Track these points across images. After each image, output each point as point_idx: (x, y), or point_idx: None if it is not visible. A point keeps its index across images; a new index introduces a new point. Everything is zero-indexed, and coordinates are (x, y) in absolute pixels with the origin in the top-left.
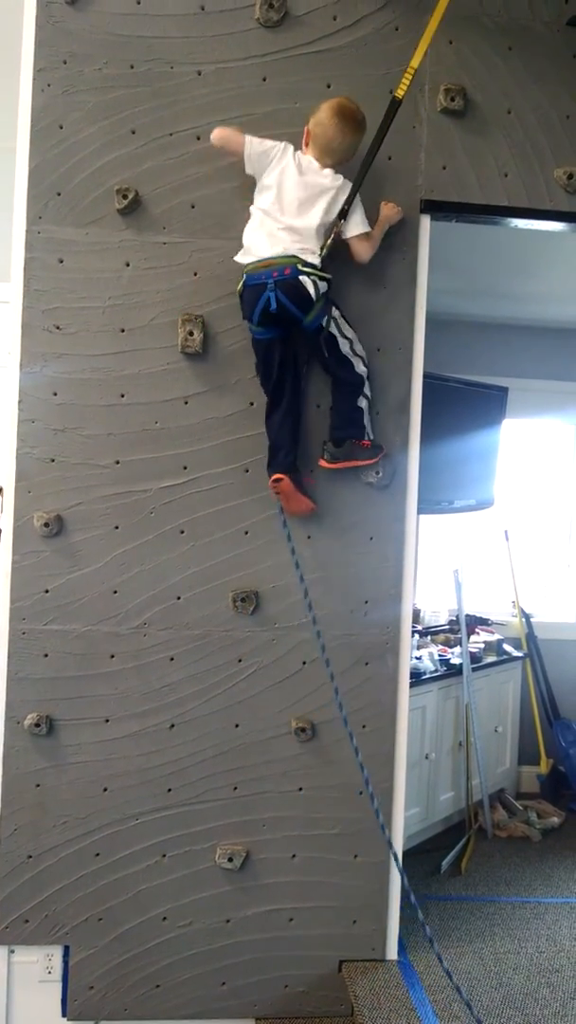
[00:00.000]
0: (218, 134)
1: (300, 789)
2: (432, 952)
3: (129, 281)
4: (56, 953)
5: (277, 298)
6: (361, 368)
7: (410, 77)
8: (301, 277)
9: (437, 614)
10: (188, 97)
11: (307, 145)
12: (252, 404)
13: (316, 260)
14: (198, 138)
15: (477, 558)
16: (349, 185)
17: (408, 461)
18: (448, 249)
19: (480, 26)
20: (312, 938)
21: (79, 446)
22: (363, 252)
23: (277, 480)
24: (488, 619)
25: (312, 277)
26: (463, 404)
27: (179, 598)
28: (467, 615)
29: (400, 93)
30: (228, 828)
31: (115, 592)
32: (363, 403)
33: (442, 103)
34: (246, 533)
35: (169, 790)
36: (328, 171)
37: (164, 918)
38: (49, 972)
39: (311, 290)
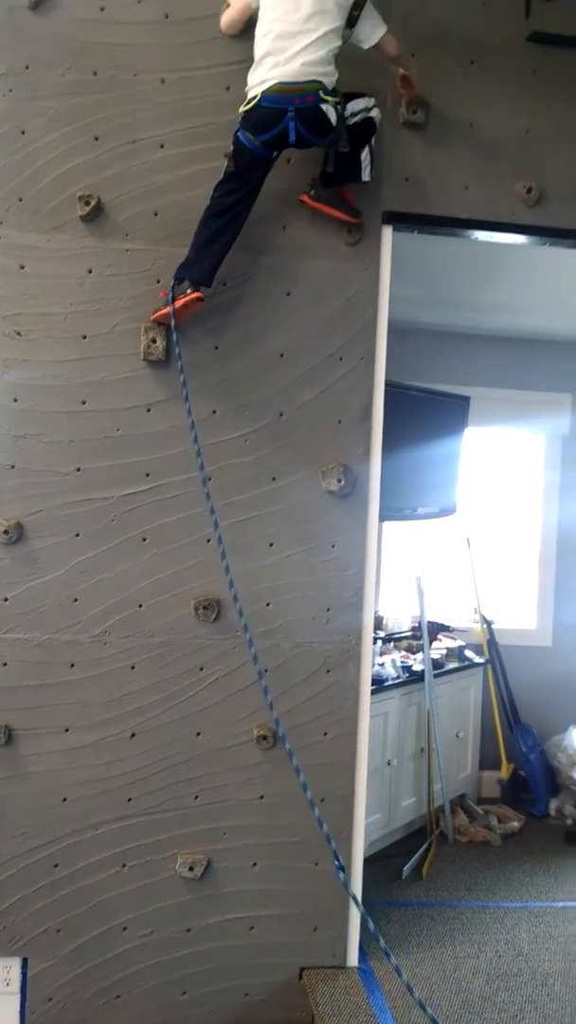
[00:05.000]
0: (225, 25)
1: (261, 797)
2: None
3: (91, 288)
4: (14, 965)
5: (297, 128)
6: (374, 113)
7: None
8: (323, 106)
9: (400, 620)
10: (152, 104)
11: None
12: (215, 412)
13: (334, 82)
14: (162, 145)
15: (439, 565)
16: (374, 15)
17: (370, 469)
18: (412, 259)
19: (443, 41)
20: (273, 946)
21: (40, 453)
22: (392, 47)
23: (200, 299)
24: (450, 625)
25: (332, 103)
26: (426, 412)
27: (141, 606)
28: (429, 622)
29: None
30: (189, 837)
31: (76, 600)
32: (365, 152)
33: (404, 116)
34: (208, 541)
35: (129, 799)
36: None
37: (124, 928)
38: (7, 984)
39: (332, 117)
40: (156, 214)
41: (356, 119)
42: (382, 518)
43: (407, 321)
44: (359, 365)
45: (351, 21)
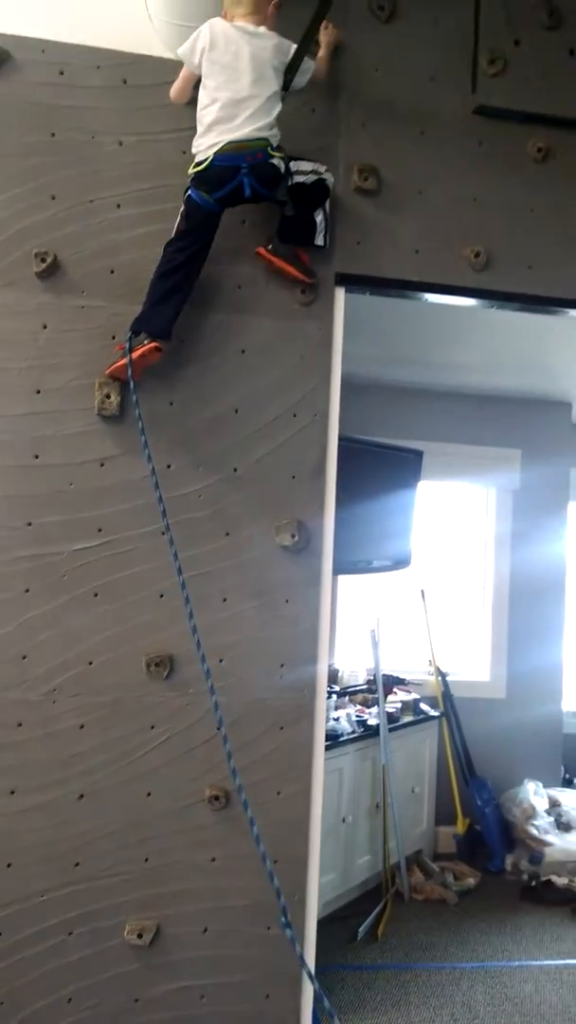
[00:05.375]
0: (174, 94)
1: (213, 859)
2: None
3: (46, 343)
4: None
5: (251, 183)
6: (327, 176)
7: None
8: (272, 161)
9: (355, 673)
10: (109, 166)
11: (226, 17)
12: (169, 467)
13: (278, 139)
14: (118, 205)
15: (394, 616)
16: (286, 43)
17: (324, 524)
18: (367, 318)
19: (393, 111)
20: (224, 1015)
21: None
22: (322, 74)
23: (157, 349)
24: (405, 679)
25: (279, 157)
26: (380, 466)
27: (91, 663)
28: (384, 675)
29: None
30: (138, 902)
31: (24, 657)
32: (320, 216)
33: (356, 182)
34: (161, 596)
35: (77, 864)
36: (261, 29)
37: (69, 999)
38: None
39: (281, 169)
40: (112, 272)
41: (308, 179)
42: (337, 571)
43: (362, 377)
44: (313, 421)
45: (286, 85)
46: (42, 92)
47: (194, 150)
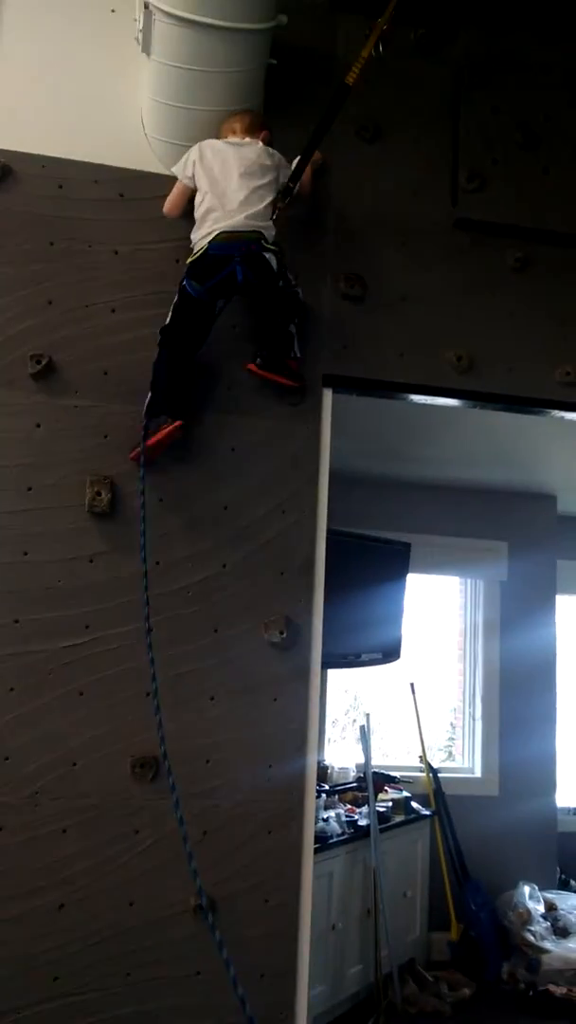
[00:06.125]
0: (167, 208)
1: (198, 973)
2: None
3: (39, 442)
4: None
5: (244, 272)
6: (302, 296)
7: (360, 65)
8: (265, 254)
9: (345, 770)
10: (105, 273)
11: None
12: (158, 563)
13: (272, 235)
14: (113, 310)
15: (384, 710)
16: (285, 164)
17: (312, 620)
18: (355, 415)
19: (377, 224)
20: None
21: None
22: (306, 190)
23: (181, 427)
24: (395, 776)
25: (273, 252)
26: (368, 559)
27: (75, 764)
28: (374, 772)
29: (350, 80)
30: (119, 1021)
31: (7, 759)
32: (293, 328)
33: (342, 289)
34: (147, 695)
35: (55, 979)
36: (249, 140)
37: None
38: None
39: (274, 264)
40: (106, 373)
41: (291, 288)
42: (326, 666)
43: (351, 471)
44: (301, 518)
45: (287, 193)
46: (42, 204)
47: (192, 244)
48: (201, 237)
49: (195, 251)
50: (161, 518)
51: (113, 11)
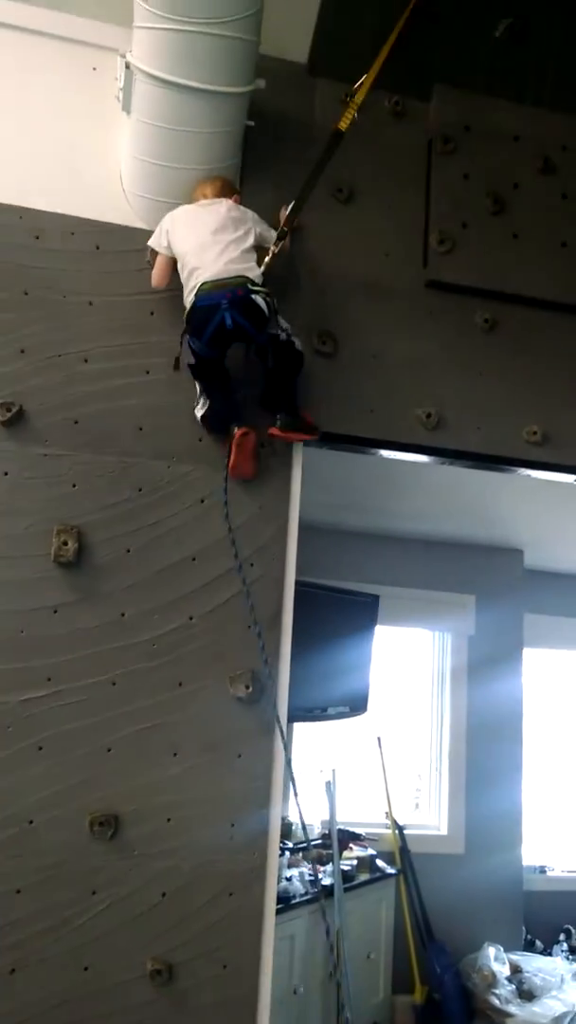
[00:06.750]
0: (154, 281)
1: None
2: None
3: (7, 490)
4: None
5: (233, 317)
6: (299, 346)
7: (354, 110)
8: (254, 296)
9: (310, 826)
10: (78, 324)
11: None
12: (123, 615)
13: (260, 279)
14: (86, 360)
15: (350, 764)
16: (258, 218)
17: (279, 674)
18: (326, 469)
19: (350, 282)
20: None
21: None
22: (286, 247)
23: (246, 434)
24: (360, 833)
25: (262, 295)
26: (336, 611)
27: (31, 822)
28: (339, 829)
29: (343, 126)
30: None
31: None
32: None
33: (315, 345)
34: (109, 750)
35: None
36: (219, 200)
37: None
38: None
39: (264, 307)
40: (76, 422)
41: (282, 336)
42: (292, 719)
43: (320, 522)
44: (269, 571)
45: (282, 235)
46: (18, 254)
47: (186, 304)
48: (188, 294)
49: (187, 310)
50: (127, 569)
51: (95, 69)
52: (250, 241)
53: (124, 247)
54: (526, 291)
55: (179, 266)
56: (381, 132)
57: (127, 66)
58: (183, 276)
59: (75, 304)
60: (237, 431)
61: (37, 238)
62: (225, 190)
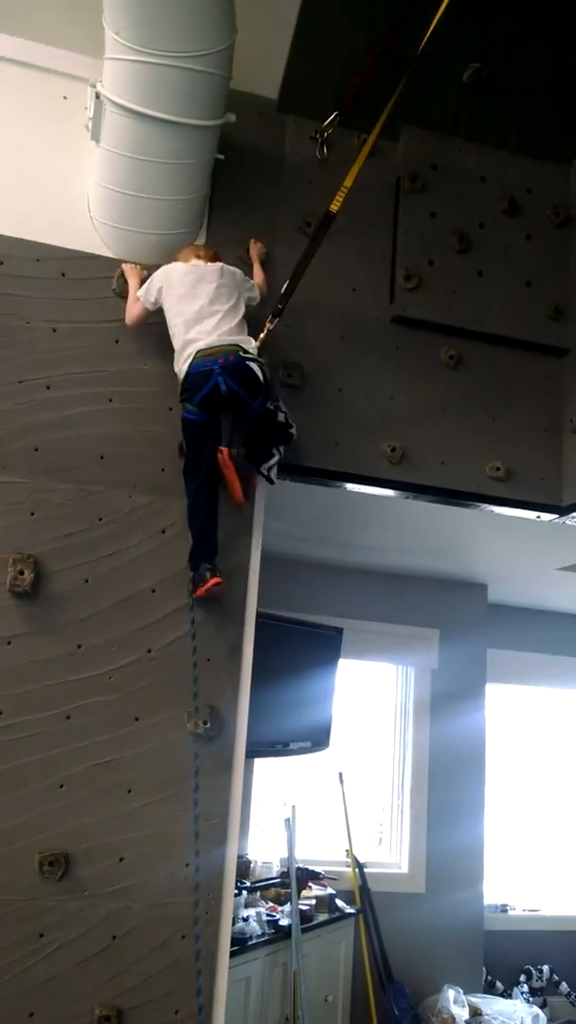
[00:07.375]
0: (129, 321)
1: None
2: None
3: None
4: None
5: (226, 382)
6: (281, 416)
7: (343, 194)
8: (248, 363)
9: (268, 864)
10: (41, 350)
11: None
12: (80, 647)
13: (253, 349)
14: (48, 387)
15: (311, 800)
16: (245, 280)
17: (238, 710)
18: (290, 500)
19: (317, 316)
20: None
21: None
22: (263, 285)
23: (218, 584)
24: (320, 872)
25: (256, 364)
26: (299, 644)
27: None
28: (299, 867)
29: (334, 208)
30: None
31: None
32: (276, 457)
33: (281, 377)
34: (61, 787)
35: None
36: (211, 264)
37: None
38: None
39: (259, 375)
40: (36, 449)
41: (280, 417)
42: (252, 755)
43: (284, 554)
44: (230, 604)
45: (277, 313)
46: None
47: (177, 374)
48: (183, 363)
49: (180, 378)
50: (85, 600)
51: (65, 98)
52: (242, 310)
53: (90, 274)
54: (490, 328)
55: (170, 331)
56: (349, 169)
57: (97, 96)
58: (175, 344)
59: (39, 330)
60: (212, 580)
61: (2, 263)
62: (216, 258)
